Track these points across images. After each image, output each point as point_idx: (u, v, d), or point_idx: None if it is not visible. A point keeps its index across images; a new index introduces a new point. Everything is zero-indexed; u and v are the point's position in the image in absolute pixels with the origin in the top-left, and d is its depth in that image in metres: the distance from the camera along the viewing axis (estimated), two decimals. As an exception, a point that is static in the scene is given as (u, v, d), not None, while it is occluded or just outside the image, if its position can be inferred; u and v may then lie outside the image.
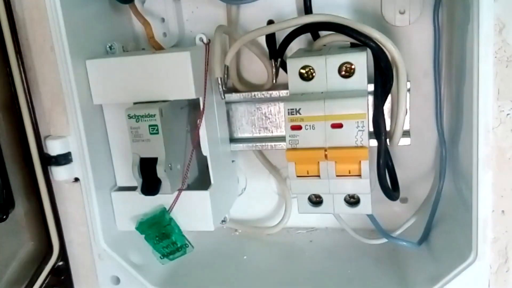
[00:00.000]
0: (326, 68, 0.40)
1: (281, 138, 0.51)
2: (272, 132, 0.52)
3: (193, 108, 0.47)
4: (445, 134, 0.48)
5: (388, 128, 0.43)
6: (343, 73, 0.39)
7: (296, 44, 0.46)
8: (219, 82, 0.43)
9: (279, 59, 0.45)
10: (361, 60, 0.39)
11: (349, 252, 0.54)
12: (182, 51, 0.41)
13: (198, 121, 0.43)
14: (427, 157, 0.51)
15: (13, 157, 0.45)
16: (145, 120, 0.41)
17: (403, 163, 0.48)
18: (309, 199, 0.42)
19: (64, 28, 0.41)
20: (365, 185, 0.39)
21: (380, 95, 0.41)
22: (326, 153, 0.38)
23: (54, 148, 0.44)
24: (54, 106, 0.44)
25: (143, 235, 0.45)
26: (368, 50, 0.39)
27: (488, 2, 0.35)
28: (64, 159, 0.44)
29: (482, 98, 0.36)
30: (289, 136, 0.39)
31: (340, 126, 0.38)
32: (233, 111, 0.52)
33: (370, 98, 0.41)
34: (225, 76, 0.43)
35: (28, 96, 0.44)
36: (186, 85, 0.41)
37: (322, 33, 0.44)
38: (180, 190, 0.44)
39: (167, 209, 0.45)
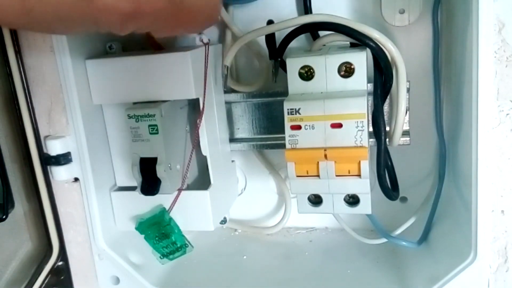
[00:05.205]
0: (325, 68, 0.39)
1: (281, 138, 0.51)
2: (271, 132, 0.52)
3: (193, 108, 0.47)
4: (445, 134, 0.48)
5: (387, 128, 0.43)
6: (343, 73, 0.39)
7: (295, 44, 0.46)
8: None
9: (279, 59, 0.45)
10: (361, 60, 0.39)
11: (349, 252, 0.53)
12: (182, 51, 0.41)
13: (198, 121, 0.43)
14: (427, 157, 0.51)
15: (13, 157, 0.45)
16: (144, 120, 0.41)
17: (403, 163, 0.48)
18: (309, 199, 0.42)
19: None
20: (364, 185, 0.39)
21: (380, 95, 0.41)
22: (325, 153, 0.38)
23: (54, 148, 0.44)
24: (54, 106, 0.44)
25: (143, 235, 0.45)
26: (368, 50, 0.40)
27: (488, 2, 0.35)
28: (64, 159, 0.44)
29: (481, 97, 0.36)
30: (289, 136, 0.39)
31: (339, 126, 0.38)
32: (233, 111, 0.52)
33: (370, 98, 0.41)
34: (226, 75, 0.44)
35: (28, 96, 0.44)
36: (186, 85, 0.41)
37: (322, 33, 0.44)
38: (179, 190, 0.44)
39: (167, 209, 0.45)
